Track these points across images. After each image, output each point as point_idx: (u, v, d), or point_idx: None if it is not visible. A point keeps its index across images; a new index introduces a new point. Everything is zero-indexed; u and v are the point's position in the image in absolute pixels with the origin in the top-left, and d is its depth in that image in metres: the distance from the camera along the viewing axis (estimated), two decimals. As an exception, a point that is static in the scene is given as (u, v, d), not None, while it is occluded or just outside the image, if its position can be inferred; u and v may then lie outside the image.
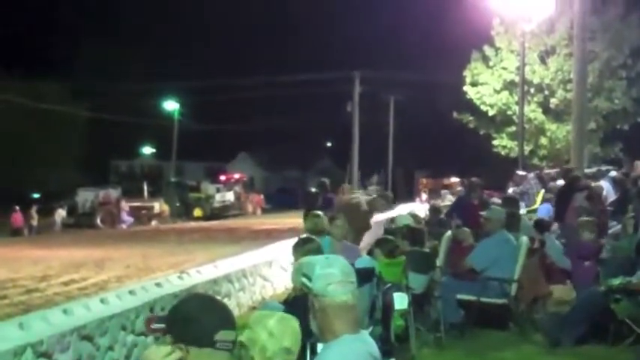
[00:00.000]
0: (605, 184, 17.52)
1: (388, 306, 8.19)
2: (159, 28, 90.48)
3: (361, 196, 14.10)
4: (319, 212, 10.86)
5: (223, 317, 3.31)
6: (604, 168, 23.91)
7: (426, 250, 11.60)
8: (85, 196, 51.36)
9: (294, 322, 4.16)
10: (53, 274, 18.34)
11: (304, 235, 9.27)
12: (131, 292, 10.28)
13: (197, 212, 54.77)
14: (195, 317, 3.26)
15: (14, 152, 61.66)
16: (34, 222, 44.71)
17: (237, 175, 64.46)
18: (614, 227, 14.61)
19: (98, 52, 73.72)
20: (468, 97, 34.34)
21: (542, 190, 20.01)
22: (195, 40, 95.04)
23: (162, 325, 3.34)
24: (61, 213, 46.77)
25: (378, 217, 21.92)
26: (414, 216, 14.63)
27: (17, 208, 44.09)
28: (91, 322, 8.40)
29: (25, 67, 63.28)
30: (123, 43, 78.15)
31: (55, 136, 65.64)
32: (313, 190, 32.01)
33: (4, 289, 15.59)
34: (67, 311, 8.58)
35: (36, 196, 57.33)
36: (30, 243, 31.19)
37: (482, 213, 11.96)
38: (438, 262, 11.62)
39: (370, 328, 7.40)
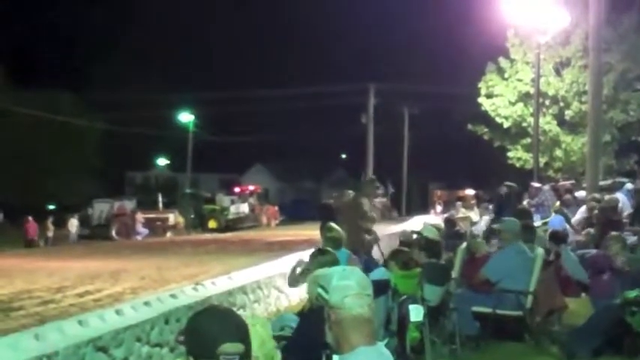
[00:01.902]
0: (620, 197, 17.44)
1: (404, 318, 8.19)
2: (175, 40, 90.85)
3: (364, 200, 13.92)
4: (332, 225, 10.88)
5: (229, 330, 3.28)
6: (619, 180, 23.80)
7: (442, 262, 11.57)
8: (100, 208, 51.45)
9: (259, 327, 4.15)
10: (68, 285, 18.37)
11: (321, 247, 9.28)
12: (146, 304, 10.29)
13: (212, 224, 54.76)
14: (201, 330, 3.27)
15: (30, 164, 61.93)
16: (50, 233, 44.85)
17: (251, 187, 64.47)
18: (631, 239, 14.53)
19: (114, 64, 74.04)
20: (483, 108, 34.26)
21: (558, 202, 19.94)
22: (210, 52, 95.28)
23: (182, 338, 3.36)
24: (74, 223, 46.76)
25: (393, 229, 21.88)
26: (435, 228, 14.63)
27: (30, 218, 44.18)
28: (106, 333, 8.41)
29: (41, 80, 63.75)
30: (138, 55, 78.47)
31: (71, 148, 65.97)
32: (328, 201, 31.91)
33: (20, 300, 15.62)
34: (83, 322, 8.60)
35: (52, 207, 57.52)
36: (45, 254, 31.25)
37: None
38: (454, 273, 11.59)
39: (385, 340, 7.38)
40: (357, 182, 17.50)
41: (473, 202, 32.57)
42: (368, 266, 10.74)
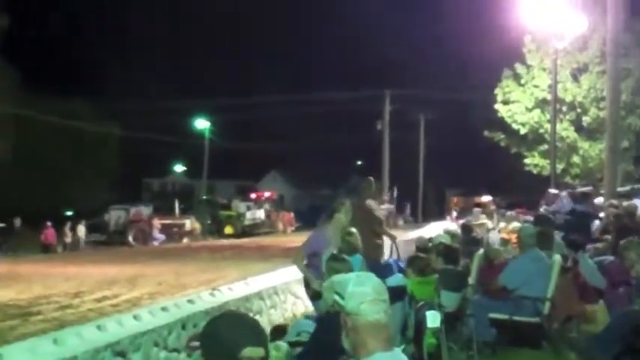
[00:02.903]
0: (638, 203, 17.37)
1: (420, 324, 8.19)
2: (190, 47, 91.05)
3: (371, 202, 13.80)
4: (352, 230, 10.88)
5: (249, 335, 3.27)
6: (637, 186, 23.73)
7: (459, 268, 11.56)
8: (117, 214, 51.65)
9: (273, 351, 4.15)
10: (86, 290, 18.45)
11: (336, 253, 9.29)
12: (164, 309, 10.33)
13: (228, 230, 54.91)
14: (221, 335, 3.25)
15: (48, 170, 62.19)
16: (68, 239, 45.00)
17: (267, 193, 64.58)
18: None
19: (130, 70, 74.30)
20: (500, 115, 34.22)
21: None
22: (227, 59, 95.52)
23: (198, 343, 3.35)
24: (81, 229, 46.76)
25: (409, 235, 21.85)
26: (452, 234, 14.61)
27: (49, 224, 44.35)
28: (124, 338, 8.45)
29: (58, 86, 63.94)
30: (155, 62, 78.71)
31: (88, 155, 66.27)
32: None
33: (38, 305, 15.71)
34: (101, 327, 8.65)
35: (69, 213, 57.76)
36: (63, 260, 31.39)
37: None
38: (470, 280, 11.57)
39: (402, 346, 7.38)
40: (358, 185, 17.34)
41: (493, 208, 32.47)
42: (382, 272, 10.73)
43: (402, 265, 12.02)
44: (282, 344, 7.58)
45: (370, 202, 13.73)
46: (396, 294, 7.73)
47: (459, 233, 17.36)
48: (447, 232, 15.15)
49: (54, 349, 7.53)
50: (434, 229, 22.10)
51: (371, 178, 13.92)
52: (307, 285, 10.33)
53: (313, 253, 10.25)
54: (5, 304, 16.35)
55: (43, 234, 44.06)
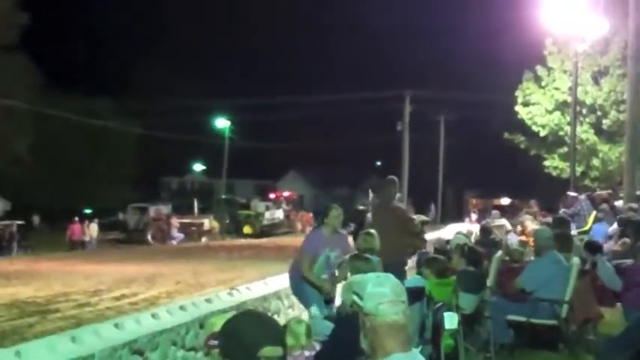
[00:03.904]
0: (658, 206, 17.32)
1: (438, 325, 8.18)
2: (211, 47, 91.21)
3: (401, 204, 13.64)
4: (371, 231, 10.86)
5: (269, 334, 3.27)
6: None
7: (481, 270, 11.53)
8: (135, 213, 51.80)
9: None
10: (105, 288, 18.55)
11: (359, 253, 9.29)
12: (182, 308, 10.36)
13: (247, 229, 54.96)
14: (240, 334, 3.25)
15: (67, 168, 62.41)
16: (87, 237, 45.13)
17: (286, 193, 64.64)
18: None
19: (150, 70, 74.51)
20: (520, 117, 34.12)
21: (594, 212, 19.78)
22: (247, 59, 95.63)
23: (216, 342, 3.36)
24: (94, 228, 46.76)
25: (428, 237, 21.75)
26: (465, 236, 14.58)
27: (77, 219, 44.50)
28: (142, 336, 8.48)
29: (78, 85, 64.23)
30: (175, 61, 78.89)
31: (108, 153, 66.46)
32: (361, 207, 31.73)
33: (57, 302, 15.79)
34: (119, 326, 8.67)
35: (88, 211, 58.06)
36: (82, 258, 31.50)
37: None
38: (489, 282, 11.55)
39: (420, 348, 7.38)
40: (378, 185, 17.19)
41: (535, 209, 32.32)
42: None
43: None
44: (304, 319, 7.61)
45: (398, 203, 13.57)
46: (415, 295, 7.73)
47: (472, 235, 17.34)
48: (460, 234, 15.08)
49: (72, 347, 7.55)
50: (453, 231, 22.03)
51: (394, 177, 13.77)
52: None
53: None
54: (24, 302, 16.47)
55: (69, 229, 44.06)
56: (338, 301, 10.10)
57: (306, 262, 10.20)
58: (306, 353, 6.55)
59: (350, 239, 11.67)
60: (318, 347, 6.82)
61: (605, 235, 16.53)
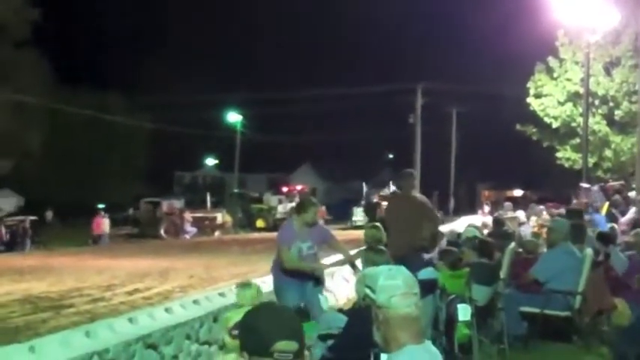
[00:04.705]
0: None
1: (451, 317, 8.19)
2: (223, 41, 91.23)
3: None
4: (377, 224, 10.88)
5: (284, 327, 3.25)
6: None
7: (493, 262, 11.53)
8: (148, 207, 51.92)
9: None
10: (118, 283, 18.60)
11: (374, 245, 9.28)
12: (195, 302, 10.39)
13: (259, 223, 54.99)
14: (256, 327, 3.24)
15: (79, 163, 62.56)
16: (100, 232, 45.13)
17: (299, 187, 64.54)
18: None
19: (162, 64, 74.60)
20: (532, 108, 34.04)
21: (607, 203, 19.75)
22: (259, 52, 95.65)
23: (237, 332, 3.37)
24: (105, 222, 46.52)
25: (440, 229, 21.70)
26: (478, 227, 14.59)
27: (103, 212, 44.43)
28: (156, 331, 8.50)
29: (90, 80, 64.33)
30: (187, 56, 78.94)
31: (120, 148, 66.58)
32: (374, 200, 31.65)
33: (71, 297, 15.85)
34: (133, 320, 8.70)
35: (101, 206, 58.30)
36: (95, 253, 31.59)
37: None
38: (502, 274, 11.54)
39: (433, 339, 7.38)
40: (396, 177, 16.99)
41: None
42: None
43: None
44: (253, 282, 7.65)
45: (417, 195, 13.23)
46: (427, 287, 7.74)
47: (487, 227, 17.34)
48: (471, 226, 15.08)
49: (86, 342, 7.58)
50: (465, 223, 21.98)
51: (412, 170, 13.68)
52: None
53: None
54: (37, 297, 16.53)
55: (94, 222, 43.79)
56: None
57: (283, 254, 10.23)
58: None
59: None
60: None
61: (604, 226, 16.44)
